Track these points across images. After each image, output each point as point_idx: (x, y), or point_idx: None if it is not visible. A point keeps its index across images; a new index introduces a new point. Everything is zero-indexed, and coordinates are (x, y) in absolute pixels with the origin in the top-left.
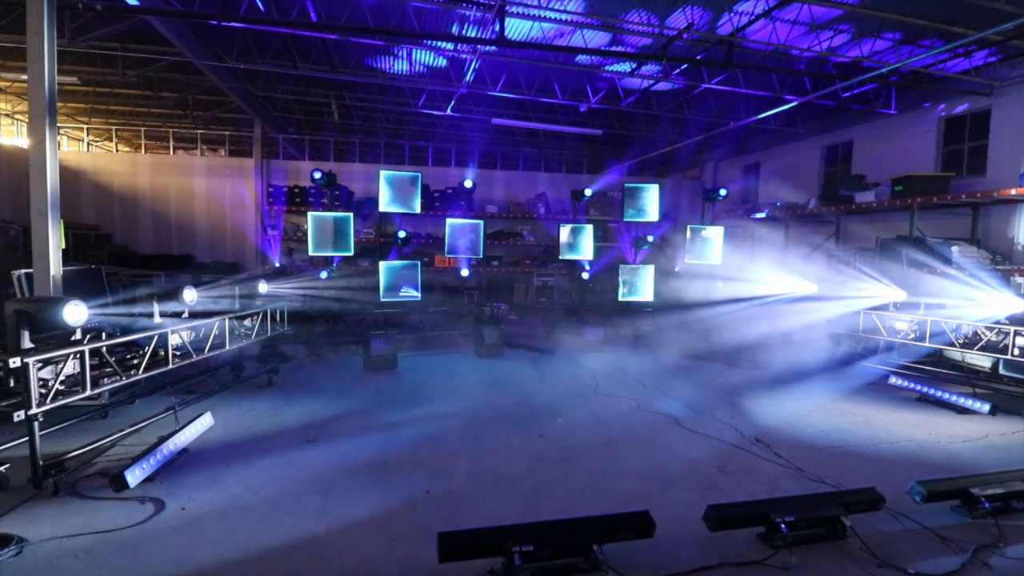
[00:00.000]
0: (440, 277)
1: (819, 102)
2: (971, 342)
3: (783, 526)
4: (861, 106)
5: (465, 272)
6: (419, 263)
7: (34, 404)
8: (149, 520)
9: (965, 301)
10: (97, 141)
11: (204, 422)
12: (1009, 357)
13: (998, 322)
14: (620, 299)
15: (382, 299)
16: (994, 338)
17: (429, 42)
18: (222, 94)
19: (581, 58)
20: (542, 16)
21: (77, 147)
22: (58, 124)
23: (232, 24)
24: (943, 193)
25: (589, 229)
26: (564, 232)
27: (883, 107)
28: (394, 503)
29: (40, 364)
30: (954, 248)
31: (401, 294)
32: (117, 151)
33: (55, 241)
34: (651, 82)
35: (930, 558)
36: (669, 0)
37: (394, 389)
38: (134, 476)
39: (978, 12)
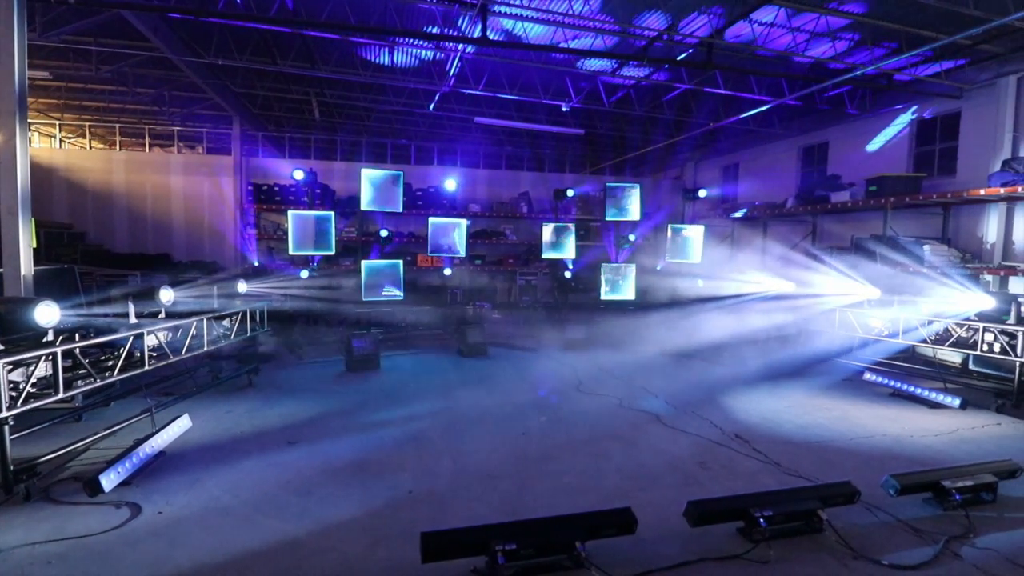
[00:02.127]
0: (423, 276)
1: (796, 104)
2: (942, 338)
3: (762, 520)
4: (851, 109)
5: (448, 271)
6: (401, 262)
7: (4, 407)
8: (125, 525)
9: (936, 298)
10: (70, 137)
11: (182, 424)
12: (978, 353)
13: (968, 319)
14: (602, 297)
15: (364, 298)
16: (964, 334)
17: (412, 39)
18: (200, 90)
19: (562, 55)
20: (525, 16)
21: (49, 143)
22: (29, 120)
23: (210, 19)
24: (915, 193)
25: (572, 228)
26: (547, 231)
27: (857, 109)
28: (376, 504)
29: (10, 366)
30: (926, 247)
31: (383, 293)
32: (91, 148)
33: (26, 240)
34: (632, 81)
35: (904, 549)
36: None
37: (376, 389)
38: (109, 480)
39: (948, 17)
